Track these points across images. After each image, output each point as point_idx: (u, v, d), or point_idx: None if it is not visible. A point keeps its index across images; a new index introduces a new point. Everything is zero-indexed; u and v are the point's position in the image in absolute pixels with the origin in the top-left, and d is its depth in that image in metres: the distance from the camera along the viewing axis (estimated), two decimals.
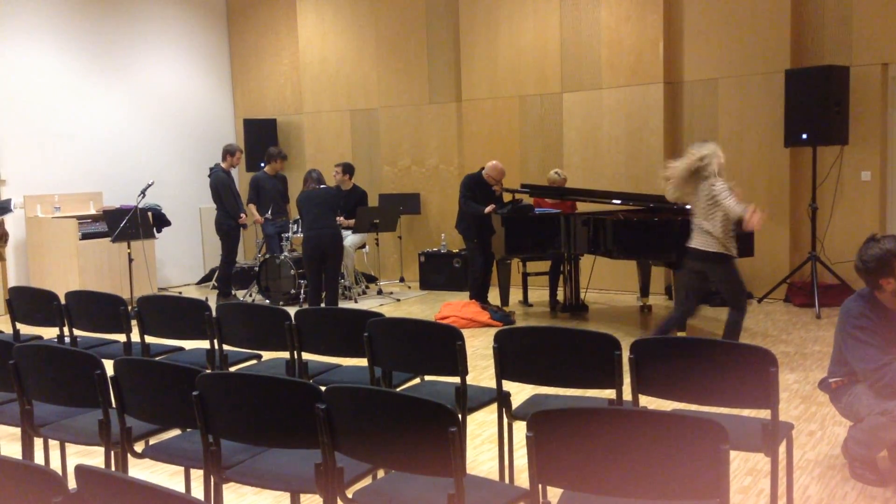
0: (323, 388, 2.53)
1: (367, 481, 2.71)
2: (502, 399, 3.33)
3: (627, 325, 7.20)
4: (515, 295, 8.35)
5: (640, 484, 2.06)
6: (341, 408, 2.46)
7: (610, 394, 3.19)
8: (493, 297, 7.94)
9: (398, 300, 8.81)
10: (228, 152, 8.82)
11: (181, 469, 3.61)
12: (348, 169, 9.10)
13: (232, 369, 4.10)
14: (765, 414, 2.86)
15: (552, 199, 7.91)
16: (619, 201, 7.34)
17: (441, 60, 9.83)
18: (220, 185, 8.70)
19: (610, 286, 8.71)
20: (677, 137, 8.51)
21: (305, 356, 4.00)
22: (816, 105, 7.22)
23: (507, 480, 3.48)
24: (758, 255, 6.80)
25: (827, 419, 4.36)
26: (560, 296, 7.97)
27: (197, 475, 3.43)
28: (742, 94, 8.06)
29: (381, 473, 2.99)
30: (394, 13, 10.02)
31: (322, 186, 7.70)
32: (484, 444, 4.25)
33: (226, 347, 4.24)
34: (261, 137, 10.57)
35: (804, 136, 7.31)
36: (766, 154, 7.95)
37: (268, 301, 8.53)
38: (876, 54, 7.43)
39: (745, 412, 3.03)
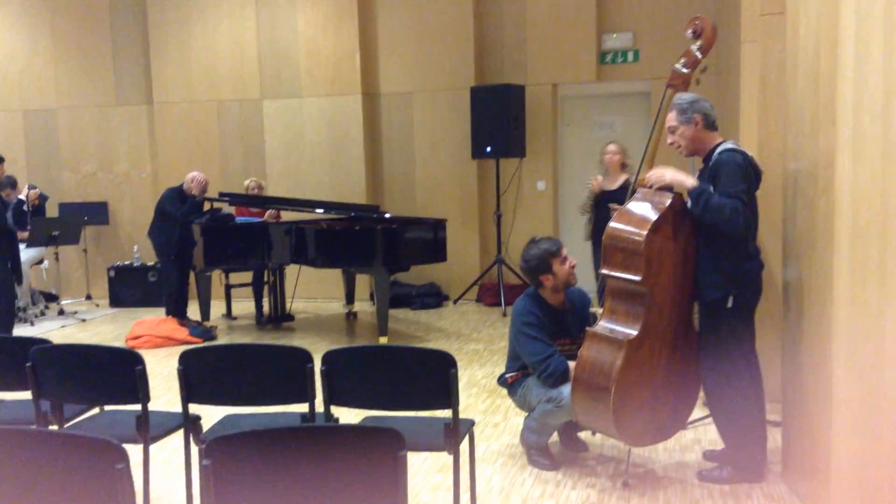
0: None
1: None
2: (189, 424, 3.15)
3: (334, 333, 7.25)
4: (219, 308, 8.01)
5: (323, 501, 2.04)
6: None
7: (304, 408, 3.16)
8: (194, 311, 7.54)
9: (83, 320, 8.02)
10: None
11: None
12: (8, 182, 7.89)
13: None
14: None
15: (255, 208, 7.72)
16: (321, 210, 7.36)
17: (128, 60, 9.15)
18: None
19: (317, 294, 8.72)
20: (377, 148, 8.77)
21: None
22: (497, 120, 7.85)
23: None
24: (451, 259, 7.22)
25: (509, 411, 4.73)
26: (266, 307, 7.81)
27: None
28: (434, 109, 8.52)
29: None
30: (72, 6, 9.13)
31: None
32: (178, 470, 4.00)
33: None
34: None
35: (488, 149, 7.92)
36: (457, 165, 8.49)
37: None
38: (547, 75, 8.28)
39: (438, 413, 3.17)
